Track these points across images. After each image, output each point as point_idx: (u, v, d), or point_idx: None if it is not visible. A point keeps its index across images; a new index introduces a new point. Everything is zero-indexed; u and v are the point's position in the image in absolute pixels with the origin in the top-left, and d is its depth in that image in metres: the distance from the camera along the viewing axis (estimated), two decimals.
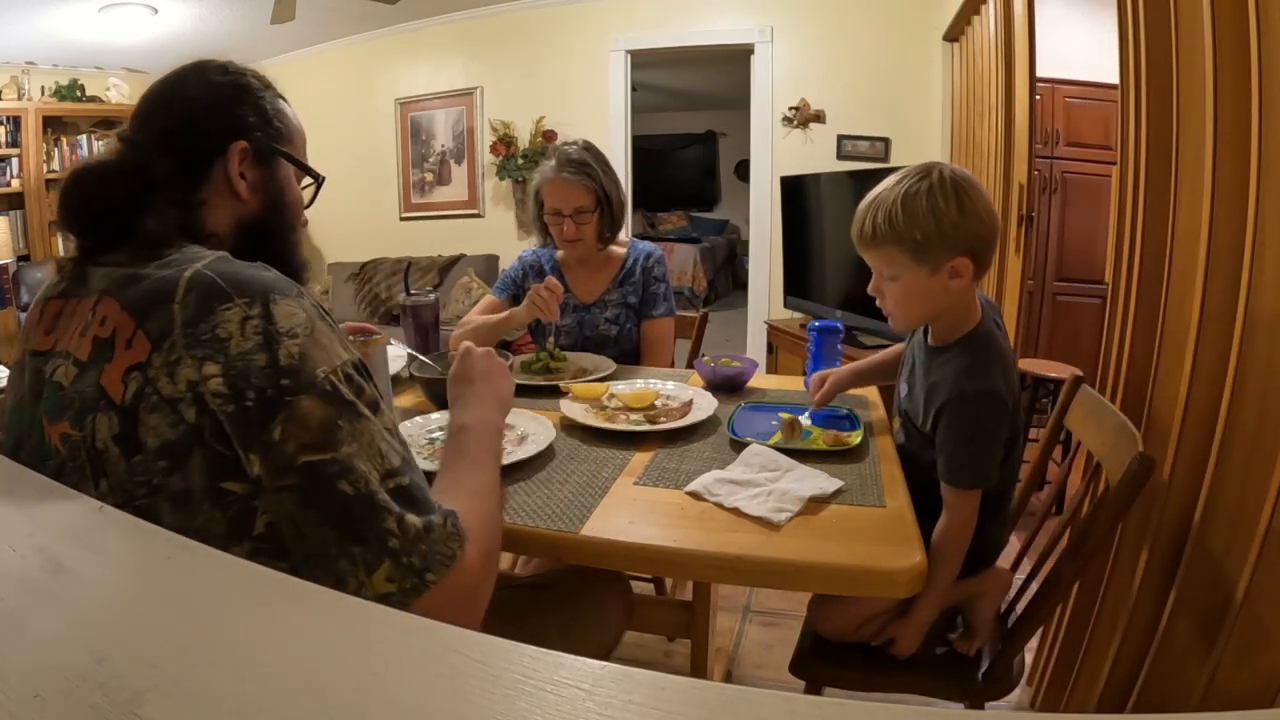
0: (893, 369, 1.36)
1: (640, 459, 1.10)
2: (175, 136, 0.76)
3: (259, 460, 0.61)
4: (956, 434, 1.02)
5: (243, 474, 0.61)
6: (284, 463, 0.61)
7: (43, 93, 4.17)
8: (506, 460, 1.04)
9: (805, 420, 1.24)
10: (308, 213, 0.91)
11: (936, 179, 0.99)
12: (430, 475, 0.84)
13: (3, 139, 4.04)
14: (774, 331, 3.66)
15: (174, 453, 0.61)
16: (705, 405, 1.30)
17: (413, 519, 0.64)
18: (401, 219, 4.69)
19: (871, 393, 1.46)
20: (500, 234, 4.42)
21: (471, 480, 0.79)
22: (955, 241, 0.98)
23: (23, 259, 4.14)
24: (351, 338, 1.32)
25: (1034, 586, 1.09)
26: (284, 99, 0.86)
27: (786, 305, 3.70)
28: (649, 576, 1.74)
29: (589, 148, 1.76)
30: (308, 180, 0.89)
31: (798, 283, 3.56)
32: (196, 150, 0.77)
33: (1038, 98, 2.49)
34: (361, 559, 0.61)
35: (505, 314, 1.69)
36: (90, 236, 0.74)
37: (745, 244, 6.09)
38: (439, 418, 1.23)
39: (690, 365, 1.75)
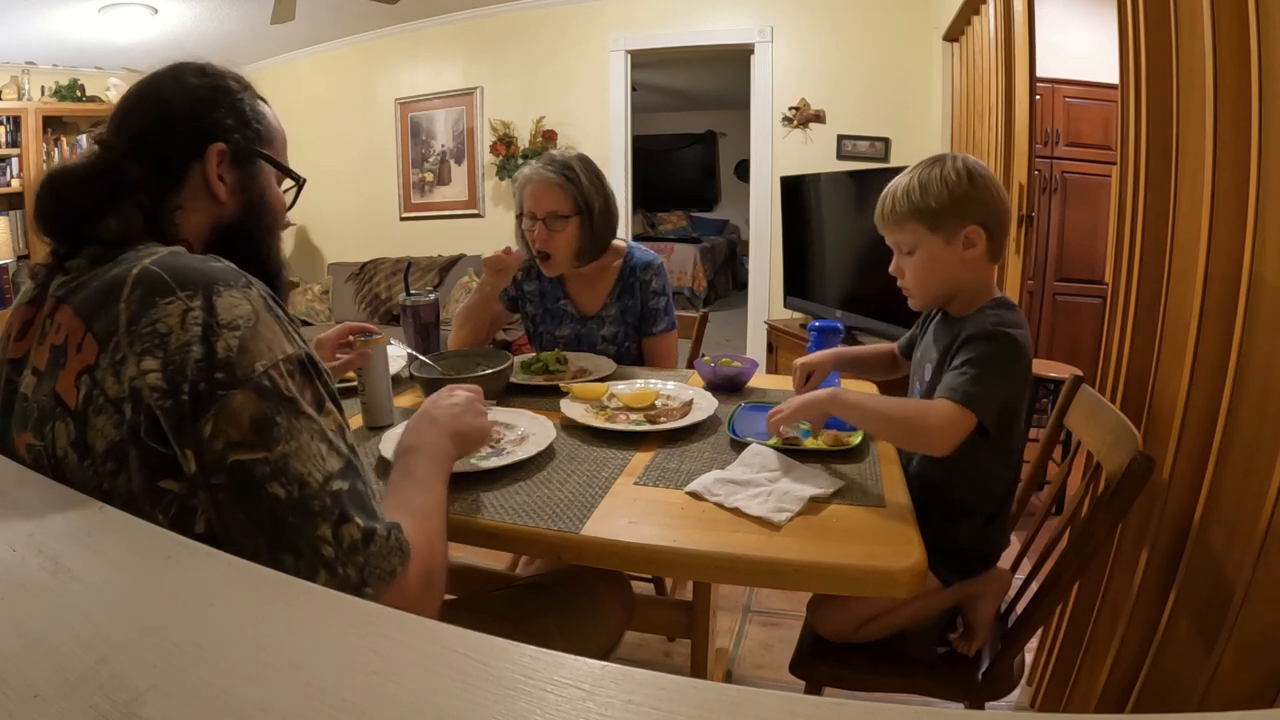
0: (876, 366, 1.38)
1: (640, 459, 1.10)
2: (148, 140, 0.74)
3: (193, 457, 0.59)
4: (968, 358, 1.01)
5: (179, 472, 0.59)
6: (213, 460, 0.59)
7: (43, 93, 4.17)
8: (506, 460, 1.04)
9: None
10: (303, 213, 0.90)
11: (949, 162, 1.09)
12: None
13: (3, 139, 4.04)
14: (774, 331, 3.66)
15: (118, 454, 0.60)
16: (705, 405, 1.30)
17: (350, 528, 0.62)
18: (401, 219, 4.69)
19: (872, 392, 1.46)
20: (500, 234, 4.41)
21: (420, 500, 0.77)
22: (967, 209, 1.06)
23: (23, 259, 4.14)
24: (351, 337, 1.34)
25: (1034, 586, 1.09)
26: (263, 100, 0.84)
27: (786, 305, 3.70)
28: (649, 576, 1.74)
29: (581, 157, 1.68)
30: (289, 182, 0.88)
31: (798, 283, 3.56)
32: (171, 154, 0.75)
33: (1038, 98, 2.49)
34: (294, 570, 0.58)
35: (476, 292, 1.70)
36: (62, 241, 0.73)
37: (745, 244, 6.09)
38: None
39: (690, 365, 1.75)
